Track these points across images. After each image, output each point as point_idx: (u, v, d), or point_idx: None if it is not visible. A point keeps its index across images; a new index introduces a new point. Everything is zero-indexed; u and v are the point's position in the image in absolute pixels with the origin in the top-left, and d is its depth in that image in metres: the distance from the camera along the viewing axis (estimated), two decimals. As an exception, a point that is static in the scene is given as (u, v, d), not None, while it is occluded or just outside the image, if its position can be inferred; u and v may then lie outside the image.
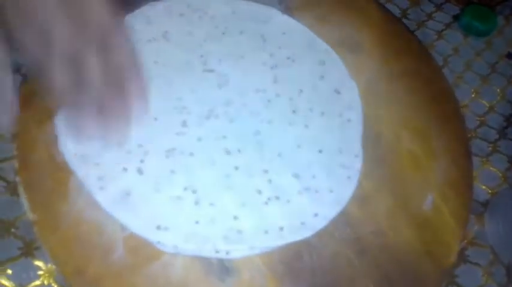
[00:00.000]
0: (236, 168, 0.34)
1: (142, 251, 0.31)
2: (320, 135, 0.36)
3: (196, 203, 0.32)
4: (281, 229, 0.32)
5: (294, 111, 0.37)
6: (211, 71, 0.38)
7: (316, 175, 0.35)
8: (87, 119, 0.30)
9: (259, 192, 0.33)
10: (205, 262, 0.32)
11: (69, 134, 0.33)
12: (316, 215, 0.33)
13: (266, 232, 0.32)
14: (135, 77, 0.32)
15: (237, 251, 0.32)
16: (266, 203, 0.33)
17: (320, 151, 0.36)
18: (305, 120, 0.37)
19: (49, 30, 0.30)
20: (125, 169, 0.33)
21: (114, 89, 0.31)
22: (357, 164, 0.36)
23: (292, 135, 0.36)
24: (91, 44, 0.31)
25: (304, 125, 0.36)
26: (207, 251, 0.31)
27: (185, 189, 0.33)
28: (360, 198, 0.35)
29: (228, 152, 0.34)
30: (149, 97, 0.32)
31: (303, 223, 0.33)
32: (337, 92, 0.39)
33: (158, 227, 0.31)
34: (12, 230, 0.33)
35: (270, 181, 0.34)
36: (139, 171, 0.33)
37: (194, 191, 0.33)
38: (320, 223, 0.33)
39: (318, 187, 0.34)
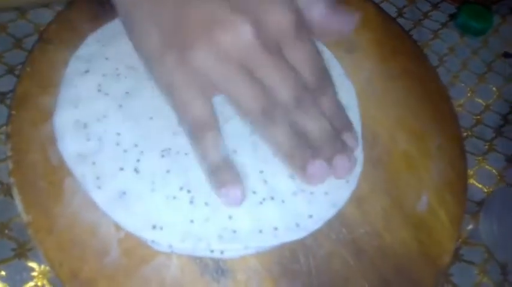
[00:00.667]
0: None
1: (137, 252, 0.31)
2: None
3: (191, 202, 0.32)
4: (275, 229, 0.32)
5: None
6: None
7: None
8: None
9: (254, 192, 0.33)
10: (200, 263, 0.32)
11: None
12: (310, 216, 0.33)
13: (261, 231, 0.32)
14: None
15: (232, 251, 0.32)
16: (261, 203, 0.33)
17: None
18: None
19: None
20: (122, 169, 0.33)
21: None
22: (357, 169, 0.36)
23: None
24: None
25: None
26: (202, 251, 0.31)
27: (181, 189, 0.33)
28: (356, 199, 0.35)
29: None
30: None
31: (297, 224, 0.33)
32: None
33: (154, 227, 0.31)
34: (6, 231, 0.33)
35: (265, 181, 0.34)
36: (136, 170, 0.33)
37: (189, 191, 0.33)
38: (314, 225, 0.33)
39: (314, 188, 0.34)
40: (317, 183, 0.34)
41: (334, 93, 0.36)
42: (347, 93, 0.39)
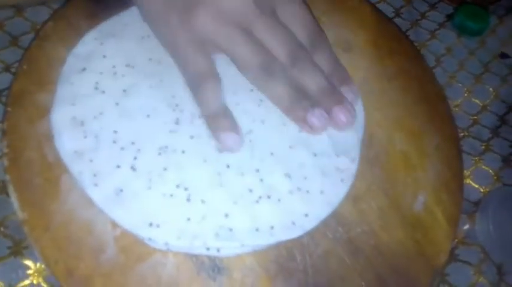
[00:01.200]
0: (228, 166, 0.34)
1: (133, 250, 0.31)
2: (315, 138, 0.36)
3: (188, 200, 0.32)
4: (272, 227, 0.32)
5: None
6: None
7: (308, 175, 0.34)
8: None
9: (251, 190, 0.33)
10: (196, 261, 0.32)
11: None
12: (306, 215, 0.33)
13: (257, 230, 0.32)
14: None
15: (228, 249, 0.32)
16: (257, 201, 0.33)
17: (315, 154, 0.35)
18: None
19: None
20: (119, 166, 0.32)
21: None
22: (353, 168, 0.36)
23: (285, 135, 0.36)
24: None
25: (299, 128, 0.36)
26: (198, 248, 0.31)
27: (177, 186, 0.32)
28: (352, 198, 0.35)
29: (220, 150, 0.34)
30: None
31: (293, 223, 0.33)
32: None
33: (150, 224, 0.31)
34: (2, 229, 0.33)
35: (261, 179, 0.34)
36: (133, 168, 0.33)
37: (186, 189, 0.32)
38: (310, 223, 0.33)
39: (310, 187, 0.34)
40: (319, 132, 0.35)
41: (330, 49, 0.38)
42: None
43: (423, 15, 0.52)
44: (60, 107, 0.34)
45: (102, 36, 0.37)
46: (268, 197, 0.33)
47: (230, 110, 0.35)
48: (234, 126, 0.34)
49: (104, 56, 0.36)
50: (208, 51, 0.35)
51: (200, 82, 0.34)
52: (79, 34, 0.37)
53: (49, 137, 0.33)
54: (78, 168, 0.32)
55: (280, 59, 0.35)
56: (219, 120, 0.34)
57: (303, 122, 0.35)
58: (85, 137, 0.33)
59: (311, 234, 0.34)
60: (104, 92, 0.35)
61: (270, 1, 0.36)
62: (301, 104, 0.35)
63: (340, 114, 0.35)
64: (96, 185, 0.32)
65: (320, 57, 0.37)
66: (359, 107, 0.38)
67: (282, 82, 0.35)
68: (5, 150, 0.33)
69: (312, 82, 0.35)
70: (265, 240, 0.32)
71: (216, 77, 0.35)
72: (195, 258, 0.32)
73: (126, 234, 0.31)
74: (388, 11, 0.51)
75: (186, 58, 0.35)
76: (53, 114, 0.34)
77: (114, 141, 0.33)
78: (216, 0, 0.34)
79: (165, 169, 0.33)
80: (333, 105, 0.35)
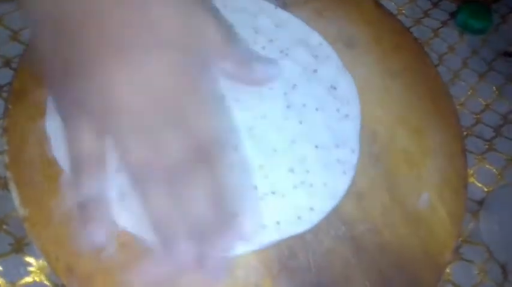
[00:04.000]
0: None
1: (133, 247, 0.31)
2: (315, 130, 0.36)
3: None
4: (278, 223, 0.32)
5: (288, 107, 0.36)
6: None
7: (311, 169, 0.34)
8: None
9: (255, 187, 0.33)
10: (198, 259, 0.31)
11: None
12: (311, 209, 0.33)
13: (263, 226, 0.32)
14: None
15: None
16: (262, 198, 0.33)
17: (316, 146, 0.35)
18: (300, 115, 0.36)
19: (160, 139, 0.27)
20: (120, 170, 0.32)
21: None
22: (353, 159, 0.36)
23: (287, 130, 0.35)
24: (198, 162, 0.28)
25: (299, 121, 0.36)
26: None
27: None
28: (355, 196, 0.35)
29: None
30: None
31: (299, 217, 0.33)
32: (333, 87, 0.38)
33: None
34: (3, 226, 0.33)
35: (265, 176, 0.33)
36: None
37: None
38: (316, 217, 0.33)
39: (313, 180, 0.34)
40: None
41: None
42: (347, 88, 0.38)
43: (426, 13, 0.52)
44: (54, 115, 0.34)
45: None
46: (273, 193, 0.33)
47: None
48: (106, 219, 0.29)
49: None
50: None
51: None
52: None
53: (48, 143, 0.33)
54: None
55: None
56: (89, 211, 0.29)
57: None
58: None
59: (314, 232, 0.33)
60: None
61: None
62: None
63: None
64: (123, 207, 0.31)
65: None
66: (354, 97, 0.38)
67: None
68: (6, 147, 0.33)
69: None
70: (272, 236, 0.32)
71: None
72: (197, 256, 0.31)
73: (127, 231, 0.31)
74: (392, 8, 0.50)
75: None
76: (48, 122, 0.34)
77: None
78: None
79: None
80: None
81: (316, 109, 0.37)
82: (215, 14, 0.31)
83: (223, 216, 0.28)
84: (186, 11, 0.29)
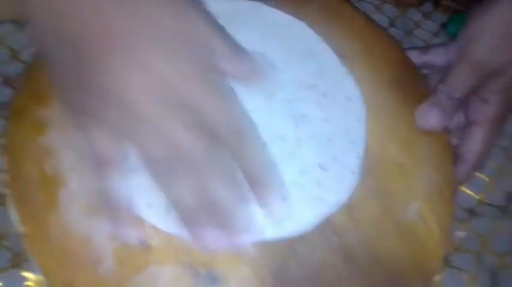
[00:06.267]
0: None
1: (130, 262, 0.31)
2: (318, 146, 0.37)
3: None
4: (280, 222, 0.33)
5: (287, 117, 0.37)
6: None
7: (318, 168, 0.36)
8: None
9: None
10: (193, 272, 0.32)
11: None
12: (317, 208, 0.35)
13: (285, 198, 0.33)
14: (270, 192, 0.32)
15: None
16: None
17: (326, 139, 0.37)
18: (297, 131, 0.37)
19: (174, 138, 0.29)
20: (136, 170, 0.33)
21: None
22: (353, 180, 0.36)
23: (297, 128, 0.37)
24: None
25: (297, 138, 0.37)
26: None
27: None
28: (347, 207, 0.36)
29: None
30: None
31: (297, 223, 0.34)
32: (348, 99, 0.40)
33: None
34: (3, 242, 0.34)
35: None
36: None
37: None
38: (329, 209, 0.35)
39: (321, 179, 0.35)
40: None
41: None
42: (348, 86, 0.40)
43: (417, 25, 0.52)
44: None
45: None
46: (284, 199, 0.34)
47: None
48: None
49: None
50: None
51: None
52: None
53: (48, 152, 0.34)
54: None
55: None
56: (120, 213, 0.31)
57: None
58: None
59: (306, 243, 0.34)
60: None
61: None
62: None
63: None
64: (149, 206, 0.32)
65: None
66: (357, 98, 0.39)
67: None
68: (5, 165, 0.33)
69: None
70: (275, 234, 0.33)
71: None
72: (191, 270, 0.32)
73: (124, 246, 0.32)
74: (383, 21, 0.51)
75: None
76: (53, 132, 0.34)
77: None
78: None
79: None
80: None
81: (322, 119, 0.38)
82: (207, 14, 0.32)
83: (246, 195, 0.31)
84: (179, 10, 0.30)
